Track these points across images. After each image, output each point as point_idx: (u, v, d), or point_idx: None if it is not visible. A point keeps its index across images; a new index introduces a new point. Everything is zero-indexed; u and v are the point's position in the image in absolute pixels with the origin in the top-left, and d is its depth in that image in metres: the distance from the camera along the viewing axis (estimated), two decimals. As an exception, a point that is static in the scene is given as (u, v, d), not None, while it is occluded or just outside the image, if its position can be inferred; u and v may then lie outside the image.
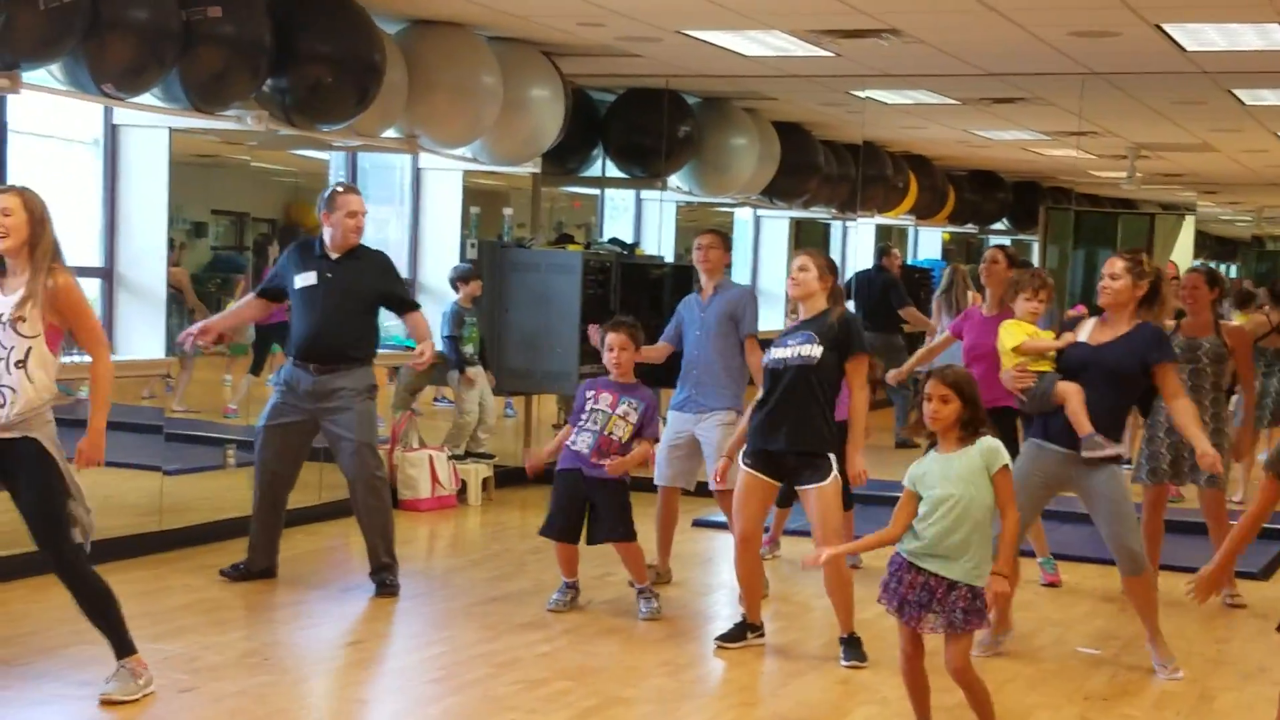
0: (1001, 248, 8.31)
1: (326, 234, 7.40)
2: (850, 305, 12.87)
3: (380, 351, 7.75)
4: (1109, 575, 8.28)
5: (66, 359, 6.92)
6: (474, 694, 5.85)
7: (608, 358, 7.16)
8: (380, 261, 7.57)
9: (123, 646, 5.56)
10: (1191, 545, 8.39)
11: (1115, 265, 6.45)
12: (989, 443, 5.07)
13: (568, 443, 7.15)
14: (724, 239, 7.89)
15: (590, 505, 7.13)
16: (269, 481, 7.55)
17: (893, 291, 13.20)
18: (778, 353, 6.44)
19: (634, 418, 7.06)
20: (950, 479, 5.05)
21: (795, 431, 6.40)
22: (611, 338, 7.14)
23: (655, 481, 7.92)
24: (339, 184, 7.57)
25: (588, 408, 7.11)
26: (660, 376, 8.12)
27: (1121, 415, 6.60)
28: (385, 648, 6.81)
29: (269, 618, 7.01)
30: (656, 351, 7.91)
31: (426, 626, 7.04)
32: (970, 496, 5.03)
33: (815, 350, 6.37)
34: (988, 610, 5.14)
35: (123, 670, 5.53)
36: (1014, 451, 7.12)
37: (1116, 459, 6.36)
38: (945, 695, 5.72)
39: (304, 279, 7.39)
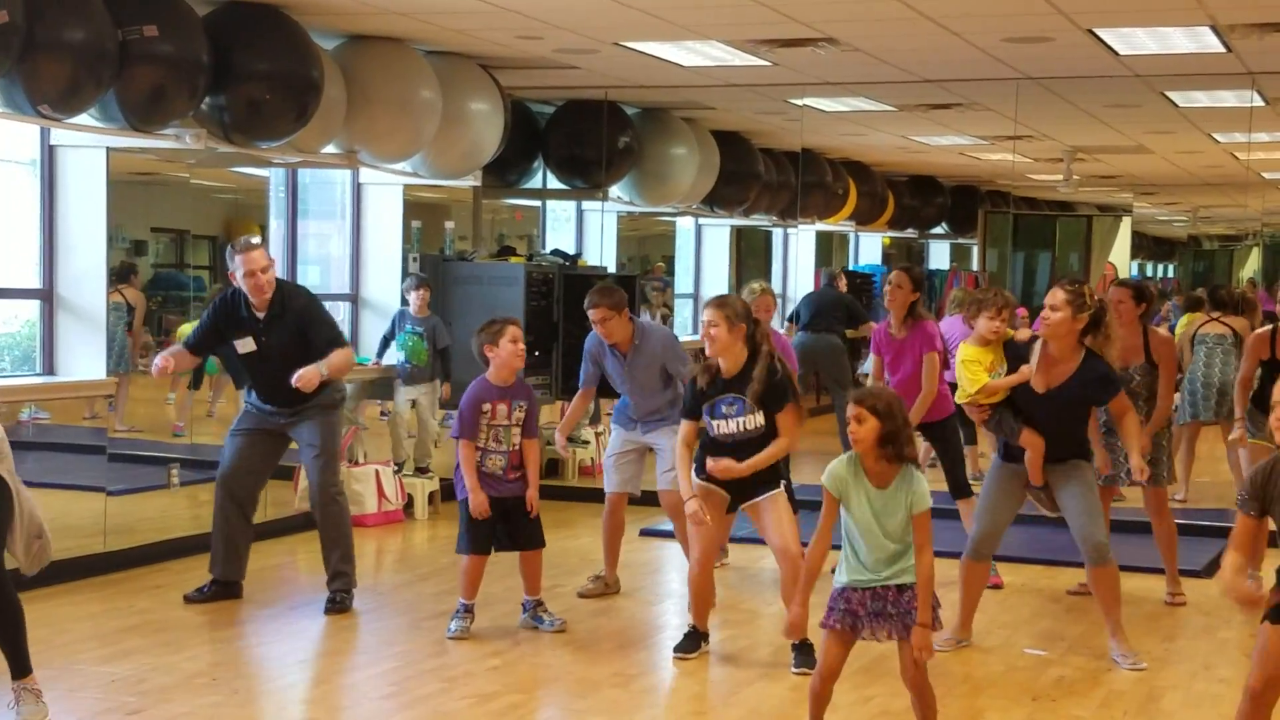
0: (905, 269, 8.43)
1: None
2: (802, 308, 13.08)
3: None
4: (1053, 576, 8.39)
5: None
6: (425, 710, 5.84)
7: (514, 352, 6.94)
8: (301, 310, 7.41)
9: (22, 668, 5.47)
10: (1135, 544, 8.48)
11: (1056, 296, 6.55)
12: (917, 487, 5.07)
13: (483, 469, 6.92)
14: (612, 299, 7.57)
15: (504, 517, 7.01)
16: (222, 484, 7.53)
17: (852, 309, 13.26)
18: (722, 426, 6.39)
19: (521, 418, 7.01)
20: (880, 516, 5.08)
21: (750, 477, 6.47)
22: (514, 331, 6.98)
23: (605, 489, 7.91)
24: (236, 242, 7.36)
25: (485, 424, 6.91)
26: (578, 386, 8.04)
27: (1082, 433, 6.84)
28: (335, 665, 6.79)
29: (217, 637, 6.97)
30: (582, 404, 8.06)
31: (376, 642, 7.02)
32: (899, 529, 5.09)
33: (757, 419, 6.37)
34: (939, 609, 5.18)
35: (26, 693, 5.46)
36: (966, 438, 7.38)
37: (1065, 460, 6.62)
38: (896, 700, 5.77)
39: (243, 345, 7.38)
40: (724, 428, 6.39)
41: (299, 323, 7.35)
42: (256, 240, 7.50)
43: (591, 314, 7.57)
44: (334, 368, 7.34)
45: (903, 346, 8.23)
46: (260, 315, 7.36)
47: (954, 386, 7.27)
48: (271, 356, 7.35)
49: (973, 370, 6.69)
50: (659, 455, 7.74)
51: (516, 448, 6.98)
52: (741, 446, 6.39)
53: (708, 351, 6.41)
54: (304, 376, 7.19)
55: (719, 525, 6.68)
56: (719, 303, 6.43)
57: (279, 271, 9.91)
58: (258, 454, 7.57)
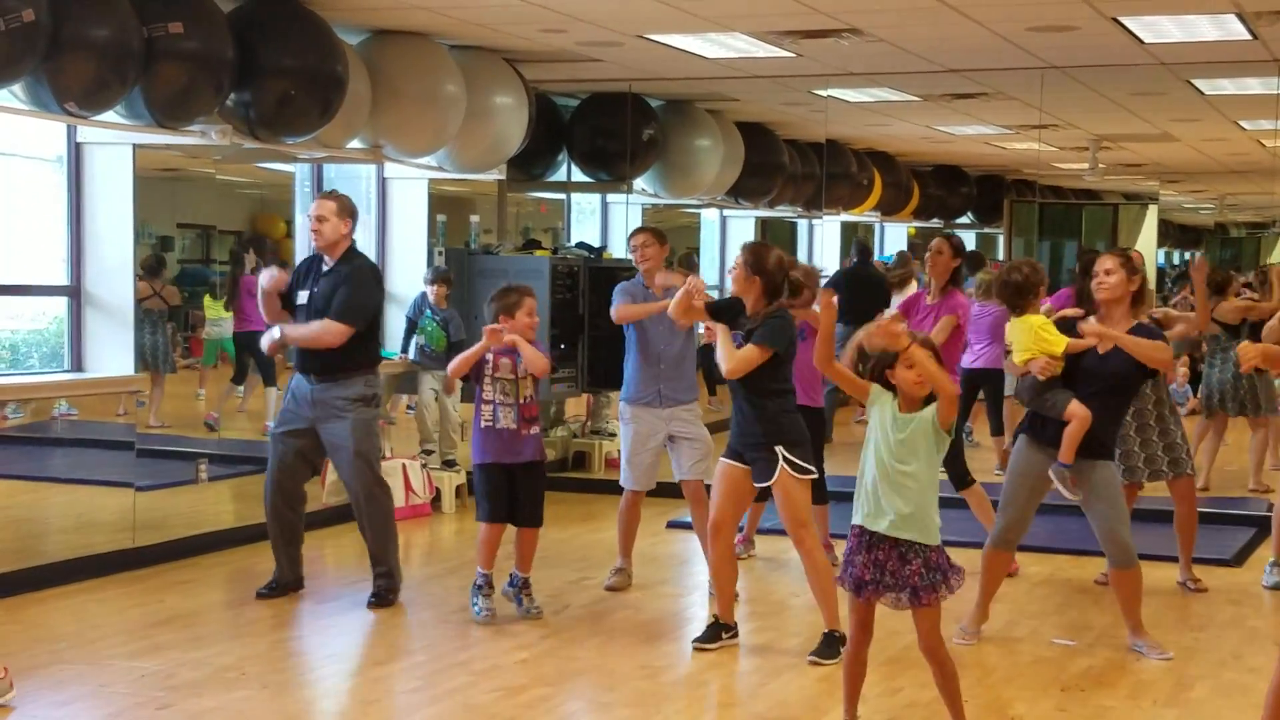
0: (947, 237, 8.41)
1: None
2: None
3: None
4: (1081, 566, 8.36)
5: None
6: (454, 703, 5.86)
7: (529, 325, 7.06)
8: (346, 274, 7.36)
9: None
10: (1156, 534, 8.44)
11: (1108, 262, 6.68)
12: (929, 409, 5.14)
13: (486, 424, 7.03)
14: (658, 234, 7.87)
15: (511, 485, 7.10)
16: (271, 489, 7.53)
17: (881, 289, 13.07)
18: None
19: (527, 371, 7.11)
20: (904, 446, 5.11)
21: (740, 428, 6.57)
22: (531, 303, 7.12)
23: (623, 484, 7.86)
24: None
25: (491, 376, 7.03)
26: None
27: (1120, 418, 6.86)
28: (364, 658, 6.80)
29: (246, 632, 6.99)
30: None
31: (404, 636, 7.04)
32: (921, 459, 5.11)
33: None
34: (950, 580, 5.15)
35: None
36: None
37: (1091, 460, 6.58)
38: (925, 691, 5.77)
39: (301, 296, 7.41)
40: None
41: (337, 283, 7.34)
42: (334, 190, 7.55)
43: (634, 238, 7.84)
44: (293, 335, 7.32)
45: (929, 313, 8.28)
46: (325, 266, 7.41)
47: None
48: (310, 310, 7.33)
49: (1050, 332, 6.70)
50: (681, 446, 7.71)
51: (528, 400, 7.04)
52: (738, 386, 6.53)
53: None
54: (267, 335, 7.34)
55: (731, 494, 6.62)
56: (745, 247, 6.66)
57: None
58: (295, 454, 7.49)
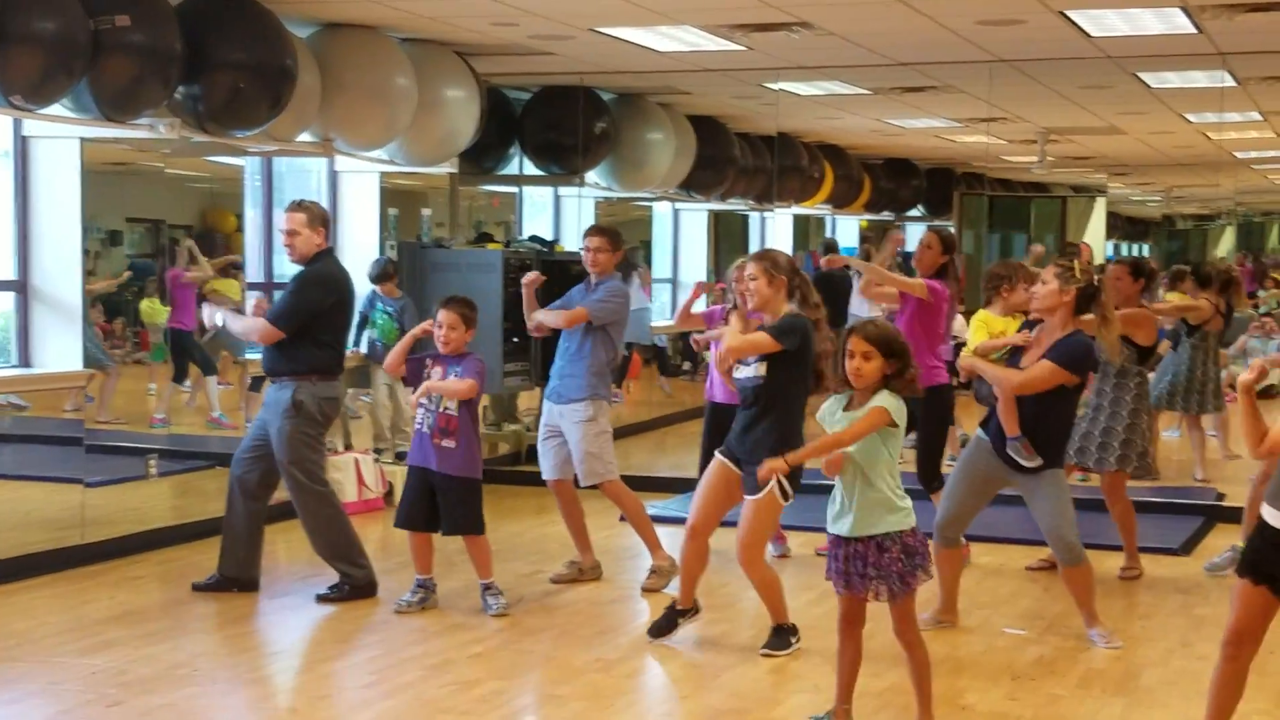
0: (937, 231, 8.32)
1: None
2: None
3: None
4: (1032, 556, 8.41)
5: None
6: (407, 697, 5.85)
7: (437, 334, 7.09)
8: (296, 275, 7.38)
9: None
10: (1103, 524, 8.50)
11: (1045, 272, 6.62)
12: (882, 398, 5.05)
13: (415, 426, 7.15)
14: (610, 239, 7.77)
15: (433, 495, 7.13)
16: (230, 485, 7.48)
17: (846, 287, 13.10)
18: (740, 370, 6.40)
19: None
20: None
21: (743, 439, 6.43)
22: (442, 315, 7.11)
23: (543, 476, 7.90)
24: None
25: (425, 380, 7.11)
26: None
27: (1061, 425, 6.69)
28: (315, 654, 6.78)
29: (197, 628, 6.96)
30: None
31: (357, 631, 7.01)
32: (863, 451, 5.07)
33: (761, 368, 6.32)
34: (928, 566, 5.19)
35: None
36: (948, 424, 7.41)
37: (1037, 469, 6.55)
38: (873, 680, 5.80)
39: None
40: (740, 371, 6.39)
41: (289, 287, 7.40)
42: (302, 201, 7.45)
43: (586, 241, 7.77)
44: (233, 325, 7.38)
45: (920, 310, 8.08)
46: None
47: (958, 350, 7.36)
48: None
49: (977, 330, 6.77)
50: (570, 448, 7.75)
51: (448, 412, 7.02)
52: (746, 394, 6.40)
53: (751, 306, 6.42)
54: (208, 311, 7.43)
55: (714, 497, 6.58)
56: (761, 254, 6.50)
57: (255, 258, 10.05)
58: (255, 454, 7.41)
